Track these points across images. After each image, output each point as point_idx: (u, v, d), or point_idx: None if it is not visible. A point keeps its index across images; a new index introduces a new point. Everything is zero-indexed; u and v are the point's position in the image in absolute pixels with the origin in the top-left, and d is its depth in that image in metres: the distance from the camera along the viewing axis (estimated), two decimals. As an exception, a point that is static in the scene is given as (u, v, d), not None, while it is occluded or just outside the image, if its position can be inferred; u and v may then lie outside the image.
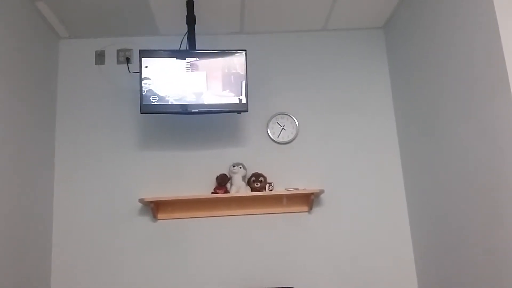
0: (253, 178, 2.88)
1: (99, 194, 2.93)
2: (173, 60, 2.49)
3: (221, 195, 2.82)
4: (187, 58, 2.46)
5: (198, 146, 3.02)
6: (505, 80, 1.85)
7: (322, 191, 2.86)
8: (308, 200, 2.90)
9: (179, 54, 2.69)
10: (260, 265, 2.88)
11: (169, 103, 2.63)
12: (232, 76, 2.47)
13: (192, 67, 2.46)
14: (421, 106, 2.68)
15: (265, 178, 2.90)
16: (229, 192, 2.85)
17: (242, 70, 2.45)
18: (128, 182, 2.95)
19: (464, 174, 2.22)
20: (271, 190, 2.89)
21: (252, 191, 2.85)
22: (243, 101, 2.50)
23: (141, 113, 2.64)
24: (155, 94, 2.62)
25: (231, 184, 2.87)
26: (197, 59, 2.46)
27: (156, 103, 2.63)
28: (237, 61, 2.45)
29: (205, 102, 2.63)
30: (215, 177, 2.92)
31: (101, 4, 2.74)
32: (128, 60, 3.09)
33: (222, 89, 2.47)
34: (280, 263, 2.88)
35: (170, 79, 2.62)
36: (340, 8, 2.92)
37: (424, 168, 2.68)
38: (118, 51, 3.12)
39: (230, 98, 2.57)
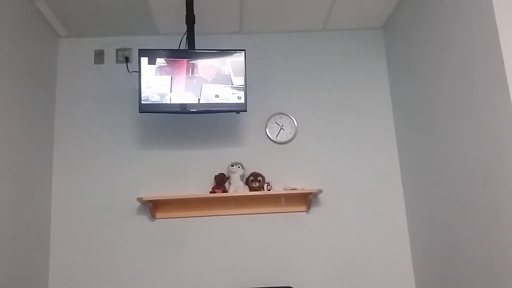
0: (252, 178, 2.89)
1: (97, 193, 2.94)
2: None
3: (219, 194, 2.82)
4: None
5: (196, 145, 3.02)
6: (503, 81, 1.85)
7: (320, 191, 2.86)
8: (306, 199, 2.91)
9: (178, 53, 2.70)
10: (258, 265, 2.88)
11: (168, 102, 2.64)
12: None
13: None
14: (420, 106, 2.69)
15: (263, 177, 2.90)
16: (227, 192, 2.85)
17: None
18: (127, 181, 2.96)
19: (462, 174, 2.23)
20: (269, 190, 2.89)
21: (250, 191, 2.86)
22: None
23: (139, 112, 2.65)
24: (153, 93, 2.63)
25: (230, 184, 2.87)
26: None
27: (154, 102, 2.64)
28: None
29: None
30: (214, 176, 2.92)
31: (101, 3, 2.74)
32: (127, 60, 3.09)
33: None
34: (278, 262, 2.89)
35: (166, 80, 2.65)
36: (339, 8, 2.92)
37: (422, 168, 2.69)
38: (117, 50, 3.13)
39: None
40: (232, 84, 2.66)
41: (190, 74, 2.63)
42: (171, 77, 2.64)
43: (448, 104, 2.34)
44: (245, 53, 2.72)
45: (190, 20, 2.79)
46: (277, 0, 2.80)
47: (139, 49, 2.69)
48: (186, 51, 2.73)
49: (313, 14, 2.98)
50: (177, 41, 2.89)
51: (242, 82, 2.68)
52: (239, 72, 2.69)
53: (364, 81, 3.15)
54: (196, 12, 2.82)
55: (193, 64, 2.63)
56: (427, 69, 2.56)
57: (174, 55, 2.68)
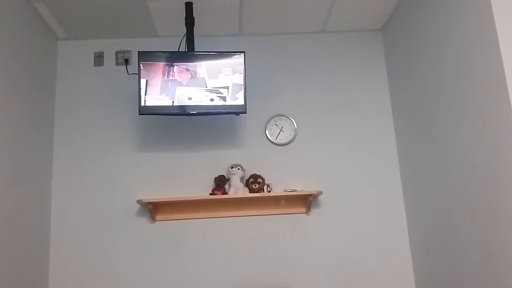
0: (251, 180, 2.88)
1: (97, 195, 2.93)
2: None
3: (219, 196, 2.82)
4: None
5: (196, 147, 3.02)
6: (502, 82, 1.86)
7: (320, 193, 2.86)
8: (306, 201, 2.91)
9: (177, 56, 2.70)
10: (258, 266, 2.88)
11: (167, 104, 2.64)
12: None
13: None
14: (419, 107, 2.69)
15: (263, 179, 2.90)
16: (227, 194, 2.85)
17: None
18: (126, 183, 2.95)
19: (461, 175, 2.23)
20: (269, 192, 2.89)
21: (250, 193, 2.86)
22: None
23: (139, 114, 2.65)
24: (152, 95, 2.64)
25: (229, 186, 2.87)
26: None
27: (154, 104, 2.64)
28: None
29: (202, 104, 2.66)
30: (213, 178, 2.92)
31: (100, 5, 2.75)
32: (126, 62, 3.09)
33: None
34: (278, 264, 2.88)
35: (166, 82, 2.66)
36: (339, 10, 2.93)
37: (422, 170, 2.69)
38: (116, 52, 3.13)
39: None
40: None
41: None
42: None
43: (447, 105, 2.34)
44: (244, 55, 2.72)
45: (190, 22, 2.80)
46: (276, 2, 2.80)
47: (138, 51, 2.69)
48: (185, 53, 2.73)
49: (312, 16, 2.99)
50: (177, 43, 2.89)
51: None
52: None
53: (363, 82, 3.16)
54: (195, 14, 2.83)
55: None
56: (427, 70, 2.57)
57: (173, 57, 2.68)
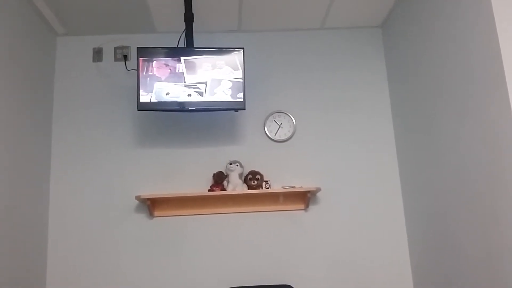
0: (250, 176, 2.88)
1: (96, 191, 2.93)
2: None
3: (217, 192, 2.82)
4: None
5: (195, 143, 3.02)
6: (502, 80, 1.85)
7: (318, 189, 2.86)
8: (305, 198, 2.91)
9: (176, 51, 2.70)
10: (256, 263, 2.88)
11: (166, 100, 2.64)
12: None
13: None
14: (418, 105, 2.69)
15: (262, 176, 2.90)
16: (225, 190, 2.85)
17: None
18: (125, 179, 2.95)
19: (460, 173, 2.23)
20: (268, 188, 2.89)
21: (248, 189, 2.85)
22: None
23: (138, 110, 2.65)
24: (152, 91, 2.63)
25: (228, 182, 2.87)
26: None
27: (153, 100, 2.64)
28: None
29: (202, 100, 2.65)
30: (212, 174, 2.92)
31: (99, 1, 2.74)
32: (125, 58, 3.08)
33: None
34: (277, 260, 2.89)
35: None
36: (338, 6, 2.92)
37: (421, 167, 2.69)
38: (115, 48, 3.12)
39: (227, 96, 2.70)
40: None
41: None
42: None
43: (446, 103, 2.34)
44: (243, 51, 2.72)
45: (189, 18, 2.79)
46: (276, -2, 2.80)
47: (137, 47, 2.69)
48: (184, 49, 2.73)
49: (311, 12, 2.98)
50: (176, 39, 2.89)
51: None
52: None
53: (362, 79, 3.15)
54: (194, 10, 2.82)
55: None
56: (426, 67, 2.56)
57: (172, 53, 2.68)
